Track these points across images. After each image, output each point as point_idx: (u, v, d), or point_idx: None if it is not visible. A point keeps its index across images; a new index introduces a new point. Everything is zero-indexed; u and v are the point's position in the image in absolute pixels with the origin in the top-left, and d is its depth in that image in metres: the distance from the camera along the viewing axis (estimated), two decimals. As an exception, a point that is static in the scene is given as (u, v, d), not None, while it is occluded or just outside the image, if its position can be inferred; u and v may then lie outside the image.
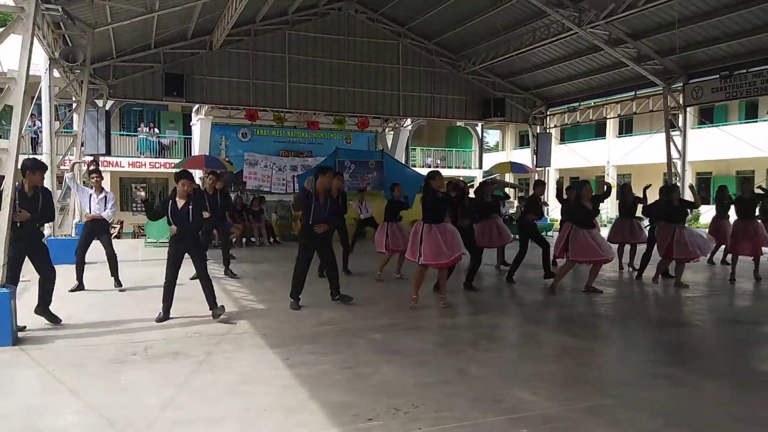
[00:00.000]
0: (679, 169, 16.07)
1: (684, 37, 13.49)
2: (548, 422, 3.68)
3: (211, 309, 6.50)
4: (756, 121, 24.60)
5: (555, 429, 3.58)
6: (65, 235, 11.60)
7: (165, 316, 6.44)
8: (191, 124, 23.65)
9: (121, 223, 17.94)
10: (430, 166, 28.87)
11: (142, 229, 17.16)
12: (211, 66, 16.24)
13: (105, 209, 8.37)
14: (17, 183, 5.77)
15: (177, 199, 6.45)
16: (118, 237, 16.71)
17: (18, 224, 5.78)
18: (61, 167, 14.22)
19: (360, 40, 17.63)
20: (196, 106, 20.37)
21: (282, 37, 16.88)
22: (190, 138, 24.06)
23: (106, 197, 8.39)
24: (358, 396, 4.11)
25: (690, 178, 20.33)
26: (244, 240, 14.99)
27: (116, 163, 23.63)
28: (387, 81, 18.07)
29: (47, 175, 8.19)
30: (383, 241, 9.26)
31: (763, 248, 9.51)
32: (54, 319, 6.18)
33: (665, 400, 4.17)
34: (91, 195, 8.33)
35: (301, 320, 6.48)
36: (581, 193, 8.17)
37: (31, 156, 8.68)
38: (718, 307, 7.92)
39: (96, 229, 8.40)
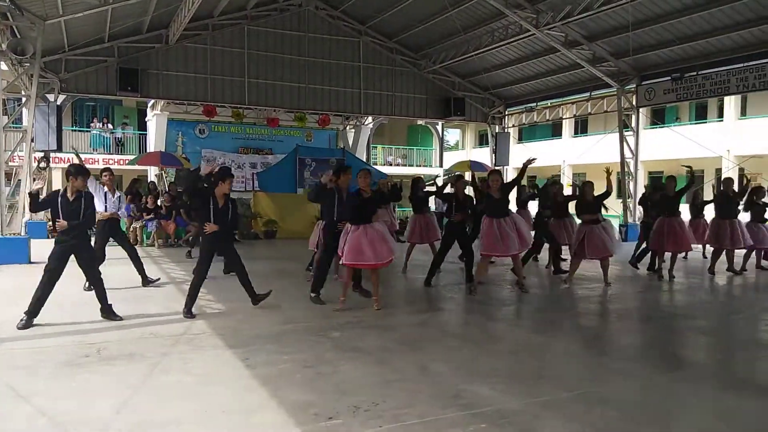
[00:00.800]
0: (632, 169, 16.53)
1: (637, 39, 13.88)
2: (506, 417, 3.74)
3: (253, 298, 6.92)
4: (705, 122, 25.52)
5: (512, 423, 3.64)
6: (14, 234, 11.18)
7: (191, 313, 6.49)
8: (146, 119, 23.13)
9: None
10: (391, 164, 28.98)
11: (93, 231, 16.71)
12: (167, 60, 15.93)
13: (121, 208, 8.43)
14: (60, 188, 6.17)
15: (217, 198, 6.61)
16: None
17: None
18: (10, 163, 13.74)
19: (321, 37, 17.56)
20: (152, 101, 19.95)
21: (240, 32, 16.68)
22: (146, 134, 23.53)
23: (120, 197, 8.43)
24: (318, 395, 4.09)
25: (642, 177, 20.95)
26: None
27: (68, 159, 22.90)
28: (348, 78, 18.04)
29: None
30: (316, 239, 8.96)
31: (689, 245, 9.63)
32: (116, 317, 6.31)
33: (618, 393, 4.29)
34: (105, 194, 8.23)
35: (262, 320, 6.41)
36: (488, 184, 7.99)
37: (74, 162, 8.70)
38: (665, 303, 8.18)
39: (113, 228, 8.37)
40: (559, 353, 5.51)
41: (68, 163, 22.68)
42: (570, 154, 29.49)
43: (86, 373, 4.58)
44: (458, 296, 8.15)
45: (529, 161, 7.88)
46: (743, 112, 23.72)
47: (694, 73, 14.10)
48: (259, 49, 16.91)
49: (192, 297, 6.57)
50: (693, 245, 10.23)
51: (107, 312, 6.35)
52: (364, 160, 22.36)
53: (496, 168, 8.74)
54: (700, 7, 12.19)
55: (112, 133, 24.65)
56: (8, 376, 4.44)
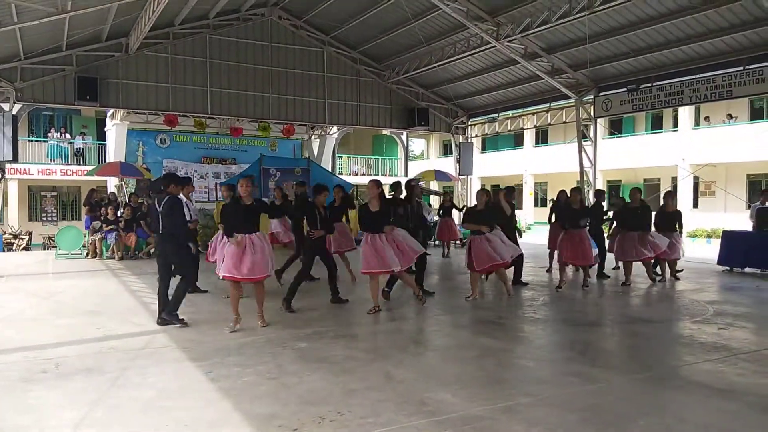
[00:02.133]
0: (591, 178, 16.91)
1: (594, 51, 14.26)
2: (469, 423, 3.78)
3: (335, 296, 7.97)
4: (661, 132, 26.30)
5: (476, 429, 3.69)
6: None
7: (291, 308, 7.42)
8: (105, 129, 22.68)
9: (30, 233, 16.91)
10: (356, 174, 29.04)
11: (53, 241, 16.27)
12: (127, 69, 15.67)
13: (194, 215, 9.06)
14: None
15: (319, 207, 7.67)
16: (26, 248, 15.74)
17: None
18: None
19: (284, 46, 17.54)
20: (111, 110, 19.58)
21: (203, 41, 16.53)
22: (105, 144, 23.08)
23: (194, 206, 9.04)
24: (283, 406, 4.07)
25: (602, 186, 21.45)
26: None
27: (24, 170, 22.32)
28: (312, 88, 18.04)
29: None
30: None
31: (585, 259, 9.31)
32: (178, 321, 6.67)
33: (578, 396, 4.39)
34: (185, 202, 8.36)
35: (224, 332, 6.34)
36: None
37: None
38: (615, 309, 8.37)
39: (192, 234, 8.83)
40: (519, 358, 5.60)
41: (24, 175, 22.09)
42: (532, 163, 30.04)
43: (43, 389, 4.46)
44: (419, 305, 8.20)
45: (416, 180, 8.67)
46: (697, 122, 24.54)
47: (649, 85, 14.53)
48: (221, 58, 16.78)
49: (293, 292, 7.49)
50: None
51: (170, 317, 6.60)
52: (330, 170, 22.34)
53: (375, 178, 8.44)
54: (654, 21, 12.60)
55: (71, 143, 24.07)
56: (-40, 395, 4.30)
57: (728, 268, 11.80)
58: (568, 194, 10.01)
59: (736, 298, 8.79)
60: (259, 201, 6.82)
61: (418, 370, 5.08)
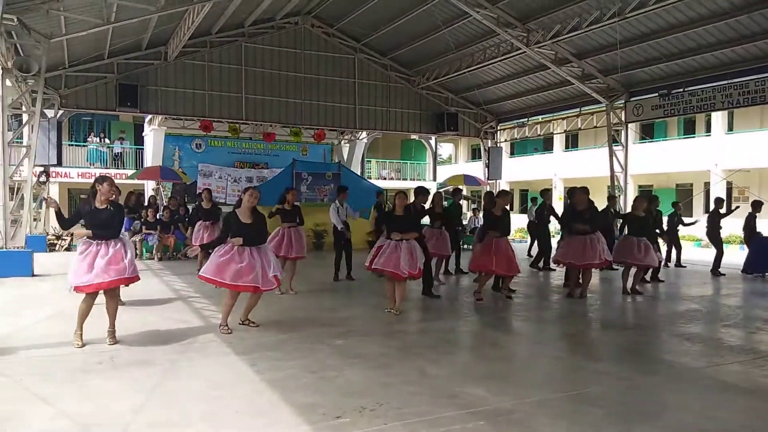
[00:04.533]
0: (622, 182, 16.90)
1: (625, 57, 14.30)
2: (502, 415, 4.00)
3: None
4: (693, 137, 26.01)
5: (508, 420, 3.90)
6: (18, 248, 11.36)
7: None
8: (143, 134, 23.40)
9: (71, 235, 17.52)
10: (385, 179, 29.33)
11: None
12: (166, 77, 16.24)
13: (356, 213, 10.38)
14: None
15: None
16: (68, 249, 16.34)
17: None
18: (15, 178, 13.98)
19: (316, 53, 17.94)
20: (149, 116, 20.24)
21: (238, 49, 17.03)
22: (142, 148, 23.79)
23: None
24: (324, 397, 4.33)
25: (632, 191, 21.36)
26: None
27: (65, 174, 23.13)
28: (343, 94, 18.42)
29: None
30: None
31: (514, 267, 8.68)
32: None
33: (605, 393, 4.56)
34: (338, 209, 9.79)
35: (263, 330, 6.63)
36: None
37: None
38: (644, 311, 8.46)
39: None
40: (548, 358, 5.78)
41: (65, 178, 22.85)
42: (561, 168, 29.96)
43: (100, 379, 4.80)
44: (451, 305, 8.41)
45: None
46: (730, 127, 24.22)
47: (681, 90, 14.53)
48: (256, 65, 17.26)
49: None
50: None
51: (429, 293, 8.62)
52: (359, 174, 22.68)
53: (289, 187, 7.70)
54: (685, 26, 12.63)
55: (110, 147, 24.86)
56: (27, 382, 4.65)
57: (760, 274, 11.74)
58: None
59: (766, 303, 8.80)
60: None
61: (450, 367, 5.30)
